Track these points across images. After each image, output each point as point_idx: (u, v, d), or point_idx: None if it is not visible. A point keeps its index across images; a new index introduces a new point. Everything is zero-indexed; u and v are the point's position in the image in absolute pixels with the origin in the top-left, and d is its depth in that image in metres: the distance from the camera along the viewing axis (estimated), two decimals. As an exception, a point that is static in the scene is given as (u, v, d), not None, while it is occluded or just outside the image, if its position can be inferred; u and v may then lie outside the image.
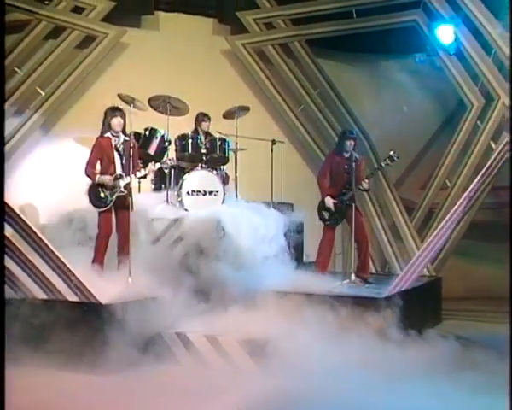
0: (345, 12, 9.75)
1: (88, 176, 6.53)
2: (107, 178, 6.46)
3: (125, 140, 6.61)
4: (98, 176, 6.48)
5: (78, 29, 9.02)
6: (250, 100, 9.62)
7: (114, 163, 6.56)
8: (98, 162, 6.59)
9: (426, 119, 10.36)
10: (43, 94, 8.86)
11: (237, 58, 9.98)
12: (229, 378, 5.25)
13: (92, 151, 6.58)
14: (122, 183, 6.46)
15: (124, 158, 6.57)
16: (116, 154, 6.57)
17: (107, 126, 6.59)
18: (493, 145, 8.30)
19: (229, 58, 10.10)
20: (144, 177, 6.98)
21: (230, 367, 5.58)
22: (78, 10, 9.08)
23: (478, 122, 9.12)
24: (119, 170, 6.54)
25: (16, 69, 8.77)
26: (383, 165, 7.46)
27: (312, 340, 5.63)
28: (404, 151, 9.97)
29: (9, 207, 5.29)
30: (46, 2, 8.96)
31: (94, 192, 6.49)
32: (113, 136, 6.58)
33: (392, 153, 7.29)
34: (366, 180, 7.39)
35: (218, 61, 10.03)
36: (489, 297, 9.26)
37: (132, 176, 6.50)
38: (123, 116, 6.64)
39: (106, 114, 6.62)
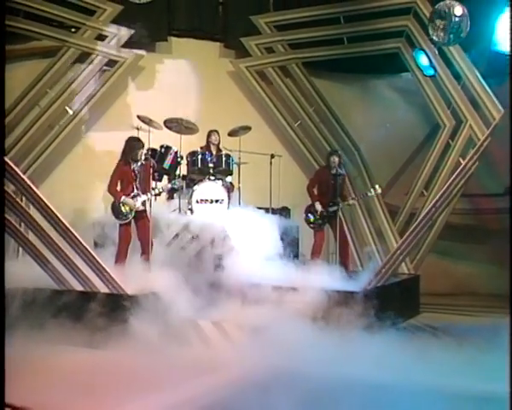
0: (337, 38, 10.37)
1: (111, 194, 7.37)
2: (129, 201, 7.30)
3: (141, 164, 7.44)
4: (123, 197, 7.32)
5: (101, 54, 9.76)
6: (252, 116, 10.41)
7: (132, 184, 7.39)
8: (118, 182, 7.44)
9: (410, 133, 10.89)
10: (71, 113, 9.61)
11: (241, 79, 10.66)
12: (231, 356, 5.81)
13: (114, 174, 7.37)
14: (140, 199, 7.34)
15: (139, 179, 7.40)
16: (134, 176, 7.39)
17: (132, 155, 7.33)
18: (462, 161, 8.58)
19: (233, 78, 10.77)
20: (159, 194, 7.72)
21: (232, 347, 6.16)
22: (101, 38, 9.81)
23: (450, 140, 9.70)
24: (135, 189, 7.38)
25: (48, 90, 9.55)
26: (367, 195, 8.43)
27: (300, 326, 6.31)
28: (391, 161, 10.86)
29: (53, 211, 6.12)
30: (73, 30, 9.72)
31: (117, 208, 7.35)
32: (133, 162, 7.40)
33: (377, 186, 8.31)
34: (354, 197, 8.21)
35: (224, 81, 10.71)
36: (466, 293, 10.01)
37: (148, 194, 7.34)
38: (143, 147, 7.46)
39: (131, 145, 7.36)
